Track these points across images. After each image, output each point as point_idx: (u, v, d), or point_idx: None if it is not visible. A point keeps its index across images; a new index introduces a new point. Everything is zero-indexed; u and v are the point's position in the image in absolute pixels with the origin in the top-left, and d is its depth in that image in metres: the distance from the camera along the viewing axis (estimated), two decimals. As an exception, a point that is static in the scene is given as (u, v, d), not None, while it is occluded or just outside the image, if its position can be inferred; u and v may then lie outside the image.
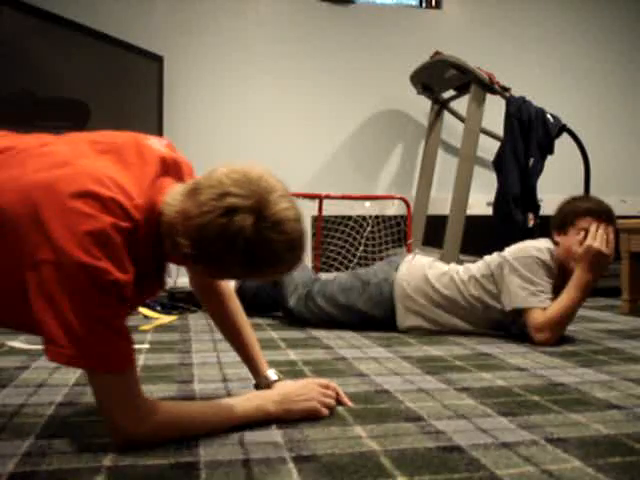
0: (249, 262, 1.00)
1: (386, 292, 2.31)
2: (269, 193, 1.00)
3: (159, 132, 3.64)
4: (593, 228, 2.04)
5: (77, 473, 0.94)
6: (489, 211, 3.68)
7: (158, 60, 3.69)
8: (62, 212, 0.96)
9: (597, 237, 2.02)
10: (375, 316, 2.32)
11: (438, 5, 4.42)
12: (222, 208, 0.97)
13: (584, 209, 2.10)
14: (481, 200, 4.02)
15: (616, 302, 3.15)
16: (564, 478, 0.93)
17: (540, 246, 2.13)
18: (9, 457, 0.99)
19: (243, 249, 0.98)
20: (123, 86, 3.48)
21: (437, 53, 3.71)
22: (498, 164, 3.56)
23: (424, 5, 4.46)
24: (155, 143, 1.17)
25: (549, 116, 3.52)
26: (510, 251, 2.18)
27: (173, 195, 1.06)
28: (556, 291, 2.09)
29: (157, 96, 3.67)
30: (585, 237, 2.04)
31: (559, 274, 2.12)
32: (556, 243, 2.14)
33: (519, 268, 2.09)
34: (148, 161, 1.11)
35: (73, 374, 1.57)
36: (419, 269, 2.32)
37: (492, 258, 2.23)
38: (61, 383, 1.49)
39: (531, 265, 2.08)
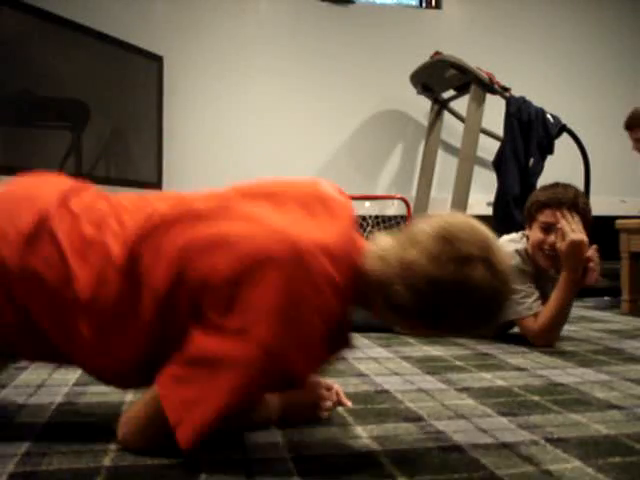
0: (475, 315, 0.95)
1: None
2: (492, 241, 0.95)
3: (159, 132, 3.64)
4: (564, 221, 1.93)
5: (77, 473, 0.94)
6: (489, 211, 3.68)
7: (158, 60, 3.69)
8: (272, 287, 0.90)
9: (574, 227, 1.91)
10: (374, 327, 2.28)
11: (438, 5, 4.42)
12: (455, 257, 0.91)
13: (543, 201, 2.00)
14: (481, 200, 4.01)
15: (616, 302, 3.15)
16: (564, 478, 0.93)
17: (507, 250, 2.01)
18: (9, 457, 0.99)
19: (474, 301, 0.93)
20: (123, 86, 3.47)
21: (437, 53, 3.71)
22: (498, 164, 3.56)
23: (424, 5, 4.46)
24: (334, 192, 1.08)
25: (549, 116, 3.52)
26: None
27: (382, 246, 0.99)
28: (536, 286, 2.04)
29: (157, 96, 3.67)
30: (557, 232, 1.93)
31: (536, 271, 2.04)
32: (528, 237, 2.06)
33: None
34: (339, 214, 1.02)
35: (73, 374, 1.57)
36: None
37: None
38: (61, 383, 1.48)
39: None
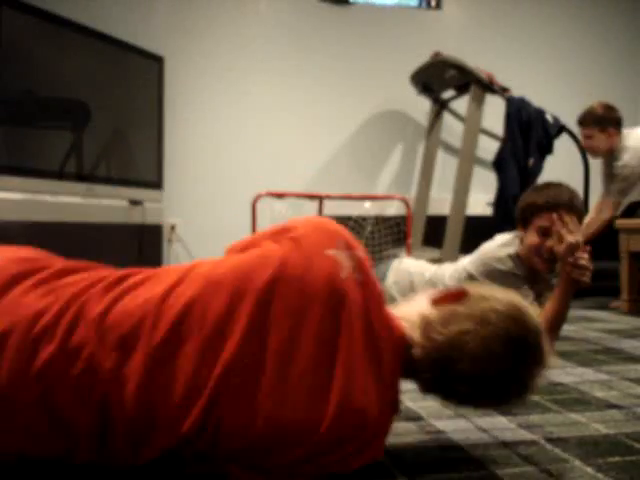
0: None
1: None
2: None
3: (159, 132, 3.64)
4: (560, 224, 1.88)
5: (77, 473, 0.94)
6: (489, 211, 3.68)
7: (158, 60, 3.69)
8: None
9: (571, 228, 1.88)
10: None
11: (438, 5, 4.42)
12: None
13: (540, 205, 1.95)
14: (481, 200, 4.01)
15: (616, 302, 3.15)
16: (564, 478, 0.93)
17: (500, 256, 2.01)
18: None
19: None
20: (123, 86, 3.47)
21: (437, 53, 3.71)
22: (498, 164, 3.56)
23: (424, 5, 4.46)
24: (383, 318, 1.01)
25: (549, 116, 3.53)
26: (472, 264, 2.06)
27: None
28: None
29: (157, 96, 3.67)
30: (553, 236, 1.90)
31: (529, 272, 2.01)
32: (521, 239, 2.02)
33: (490, 284, 2.00)
34: (385, 358, 0.96)
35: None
36: (405, 275, 2.25)
37: (462, 269, 2.11)
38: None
39: (498, 278, 1.94)
